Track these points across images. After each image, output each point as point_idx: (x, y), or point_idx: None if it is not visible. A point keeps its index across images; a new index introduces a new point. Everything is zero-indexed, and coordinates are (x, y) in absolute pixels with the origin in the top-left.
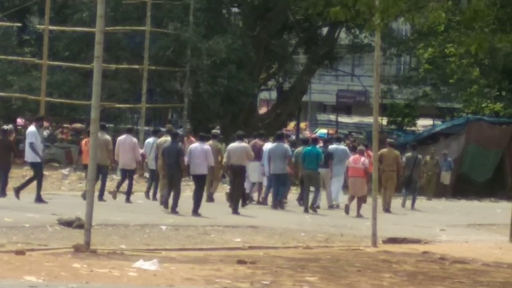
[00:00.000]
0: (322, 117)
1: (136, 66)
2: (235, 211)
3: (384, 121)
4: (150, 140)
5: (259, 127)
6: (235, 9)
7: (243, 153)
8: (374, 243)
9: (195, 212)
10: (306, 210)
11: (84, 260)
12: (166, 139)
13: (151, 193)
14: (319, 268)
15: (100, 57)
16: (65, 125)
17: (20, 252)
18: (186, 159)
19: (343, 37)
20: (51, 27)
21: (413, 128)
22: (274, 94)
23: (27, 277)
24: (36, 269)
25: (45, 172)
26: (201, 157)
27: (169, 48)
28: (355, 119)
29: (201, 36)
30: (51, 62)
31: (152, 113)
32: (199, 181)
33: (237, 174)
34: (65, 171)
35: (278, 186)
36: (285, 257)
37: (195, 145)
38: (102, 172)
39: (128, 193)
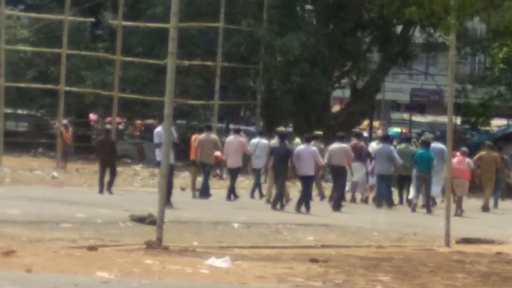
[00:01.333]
0: (395, 115)
1: (209, 63)
2: (336, 208)
3: (458, 120)
4: (255, 140)
5: (332, 125)
6: (309, 7)
7: (343, 154)
8: (447, 243)
9: (307, 210)
10: (428, 211)
11: (156, 257)
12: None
13: (256, 192)
14: (392, 267)
15: (174, 53)
16: (137, 121)
17: (92, 248)
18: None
19: (418, 35)
20: (124, 23)
21: (487, 128)
22: (347, 92)
23: (99, 273)
24: (108, 265)
25: (118, 168)
26: (309, 158)
27: (243, 45)
28: (428, 118)
29: (275, 33)
30: (124, 58)
31: (224, 110)
32: (307, 181)
33: (338, 174)
34: (137, 167)
35: (383, 186)
36: (357, 256)
37: (302, 147)
38: (205, 170)
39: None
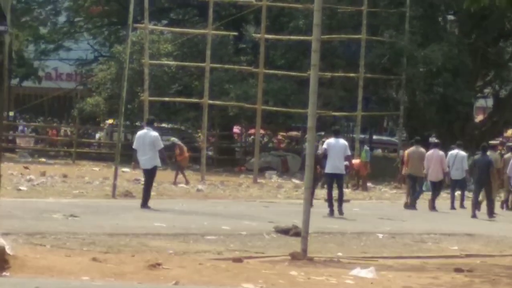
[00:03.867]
0: None
1: (351, 74)
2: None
3: None
4: (453, 152)
5: (475, 136)
6: (451, 17)
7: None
8: None
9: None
10: None
11: (301, 268)
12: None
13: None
14: None
15: (316, 65)
16: (281, 133)
17: (237, 260)
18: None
19: None
20: (267, 36)
21: None
22: (490, 102)
23: (245, 285)
24: (254, 277)
25: (261, 180)
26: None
27: (385, 56)
28: None
29: (417, 44)
30: (267, 71)
31: (367, 121)
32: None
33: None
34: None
35: None
36: (502, 265)
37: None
38: (417, 182)
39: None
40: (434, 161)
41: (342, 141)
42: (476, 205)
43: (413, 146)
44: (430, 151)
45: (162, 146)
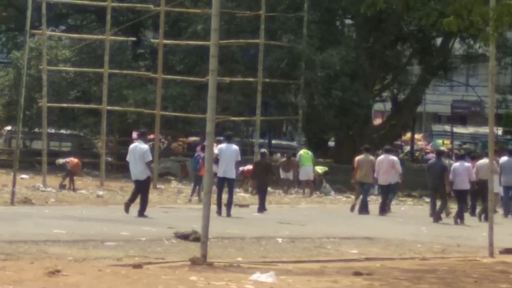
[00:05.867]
0: (437, 127)
1: (250, 79)
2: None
3: (500, 131)
4: (380, 157)
5: (373, 139)
6: (348, 21)
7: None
8: (491, 254)
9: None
10: None
11: (201, 273)
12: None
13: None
14: (436, 279)
15: (215, 70)
16: (180, 139)
17: (137, 266)
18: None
19: (457, 47)
20: (165, 41)
21: None
22: (388, 105)
23: None
24: (154, 283)
25: (161, 186)
26: (464, 174)
27: (283, 61)
28: (470, 130)
29: (315, 48)
30: (165, 76)
31: (266, 125)
32: (461, 196)
33: (484, 188)
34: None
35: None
36: (401, 268)
37: (457, 164)
38: (364, 188)
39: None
40: (386, 166)
41: (234, 147)
42: (435, 211)
43: (362, 153)
44: (381, 157)
45: (151, 159)
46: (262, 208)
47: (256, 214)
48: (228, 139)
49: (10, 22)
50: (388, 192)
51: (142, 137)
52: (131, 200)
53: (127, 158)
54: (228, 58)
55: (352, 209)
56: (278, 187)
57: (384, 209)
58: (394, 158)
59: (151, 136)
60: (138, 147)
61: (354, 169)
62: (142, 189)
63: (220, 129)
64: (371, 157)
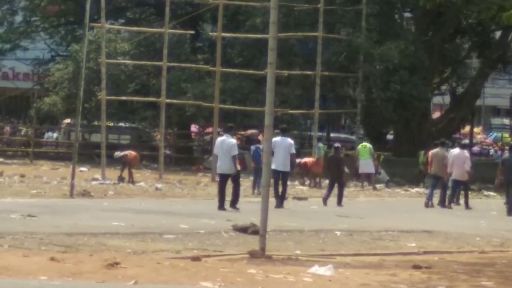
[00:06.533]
0: (496, 121)
1: (309, 72)
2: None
3: None
4: (454, 150)
5: (432, 132)
6: (407, 14)
7: None
8: None
9: None
10: None
11: (259, 266)
12: None
13: None
14: (495, 272)
15: (273, 63)
16: (239, 132)
17: (196, 258)
18: None
19: None
20: (224, 34)
21: None
22: (447, 99)
23: (203, 283)
24: (212, 275)
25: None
26: None
27: (342, 54)
28: None
29: (374, 41)
30: (224, 69)
31: (325, 119)
32: None
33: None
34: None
35: None
36: (460, 261)
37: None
38: (439, 182)
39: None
40: (460, 161)
41: (288, 140)
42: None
43: (436, 147)
44: (456, 151)
45: (237, 153)
46: (339, 202)
47: (314, 207)
48: (283, 132)
49: (69, 16)
50: (459, 187)
51: (229, 131)
52: (224, 196)
53: (215, 152)
54: (287, 51)
55: (427, 205)
56: None
57: (451, 201)
58: (467, 154)
59: (210, 130)
60: (226, 141)
61: (429, 163)
62: (233, 182)
63: (278, 122)
64: (445, 152)
